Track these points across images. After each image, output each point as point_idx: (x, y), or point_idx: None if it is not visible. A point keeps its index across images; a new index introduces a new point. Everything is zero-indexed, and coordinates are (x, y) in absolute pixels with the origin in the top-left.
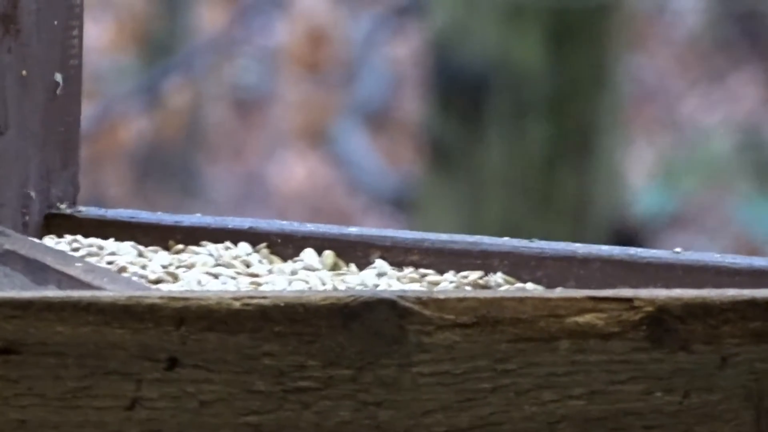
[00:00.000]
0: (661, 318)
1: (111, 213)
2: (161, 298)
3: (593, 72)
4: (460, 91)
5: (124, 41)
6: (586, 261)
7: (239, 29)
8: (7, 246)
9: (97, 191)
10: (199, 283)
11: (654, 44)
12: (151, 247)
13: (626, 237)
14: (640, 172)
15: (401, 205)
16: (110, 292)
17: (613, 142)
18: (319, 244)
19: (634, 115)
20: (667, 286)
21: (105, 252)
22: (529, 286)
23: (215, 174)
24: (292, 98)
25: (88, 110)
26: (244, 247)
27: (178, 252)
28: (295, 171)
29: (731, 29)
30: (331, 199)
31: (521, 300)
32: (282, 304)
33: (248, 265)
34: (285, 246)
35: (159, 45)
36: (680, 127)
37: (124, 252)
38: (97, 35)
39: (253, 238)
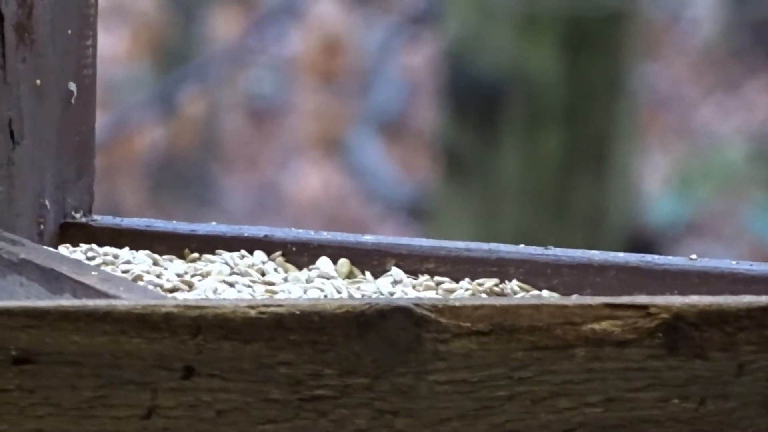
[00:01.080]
0: (677, 325)
1: (126, 222)
2: (177, 306)
3: (608, 80)
4: (475, 100)
5: (139, 51)
6: (602, 268)
7: (254, 38)
8: (23, 255)
9: (112, 201)
10: (214, 291)
11: (669, 52)
12: (166, 256)
13: (642, 245)
14: (655, 180)
15: (416, 214)
16: (126, 301)
17: (628, 151)
18: (335, 252)
19: (648, 123)
20: (683, 293)
21: (120, 261)
22: (545, 293)
23: (230, 183)
24: (307, 107)
25: (103, 120)
26: (259, 255)
27: (193, 261)
28: (310, 180)
29: (746, 37)
30: (346, 208)
31: (537, 308)
32: (297, 313)
33: (263, 274)
34: (300, 254)
35: (174, 54)
36: (695, 135)
37: (139, 261)
38: (112, 45)
39: (269, 246)
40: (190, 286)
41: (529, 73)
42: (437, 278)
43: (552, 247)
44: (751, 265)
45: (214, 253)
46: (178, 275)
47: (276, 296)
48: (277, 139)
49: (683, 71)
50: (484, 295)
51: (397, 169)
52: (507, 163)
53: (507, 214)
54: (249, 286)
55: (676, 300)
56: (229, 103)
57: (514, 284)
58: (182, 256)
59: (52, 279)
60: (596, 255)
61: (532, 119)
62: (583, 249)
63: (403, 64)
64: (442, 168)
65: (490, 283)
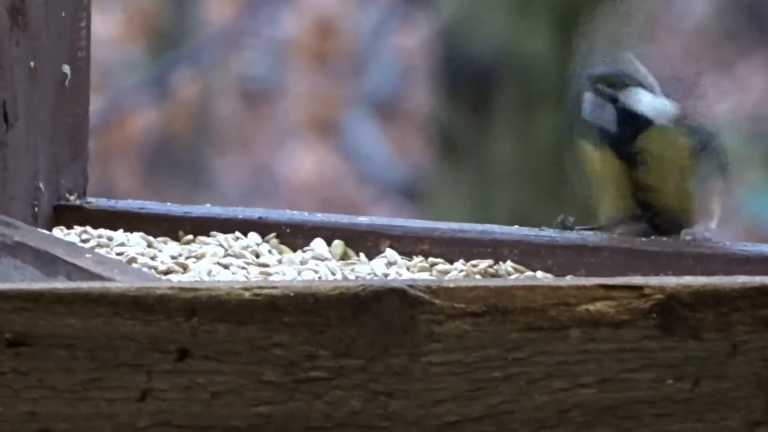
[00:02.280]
0: (671, 306)
1: (120, 204)
2: (171, 288)
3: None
4: (469, 82)
5: (133, 34)
6: (596, 249)
7: (247, 21)
8: (17, 238)
9: (106, 184)
10: (209, 273)
11: (661, 34)
12: (160, 238)
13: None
14: None
15: (410, 195)
16: (120, 284)
17: None
18: (329, 233)
19: None
20: (678, 274)
21: (114, 243)
22: (539, 274)
23: (224, 166)
24: (301, 90)
25: (97, 103)
26: (253, 237)
27: (187, 243)
28: (304, 162)
29: (739, 18)
30: (340, 190)
31: (531, 288)
32: (292, 294)
33: (258, 255)
34: (294, 236)
35: (167, 37)
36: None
37: (133, 243)
38: (106, 28)
39: (263, 228)
40: (185, 268)
41: (522, 54)
42: (431, 259)
43: (546, 228)
44: (745, 246)
45: (208, 235)
46: (173, 257)
47: (270, 278)
48: (270, 122)
49: (676, 52)
50: (478, 276)
51: (391, 150)
52: (501, 144)
53: (501, 196)
54: (243, 268)
55: (671, 281)
56: (223, 85)
57: (509, 265)
58: (177, 239)
59: (47, 261)
60: (590, 236)
61: (526, 100)
62: None
63: (396, 45)
64: (436, 149)
65: (484, 264)
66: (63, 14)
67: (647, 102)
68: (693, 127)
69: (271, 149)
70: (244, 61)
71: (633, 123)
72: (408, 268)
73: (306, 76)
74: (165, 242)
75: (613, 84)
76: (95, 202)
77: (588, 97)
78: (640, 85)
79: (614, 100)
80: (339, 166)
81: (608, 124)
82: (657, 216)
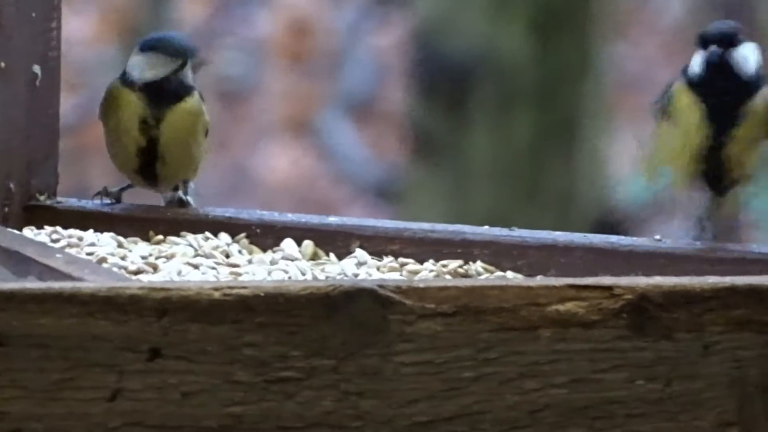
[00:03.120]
0: (642, 306)
1: (91, 204)
2: (142, 288)
3: (578, 61)
4: (445, 81)
5: (108, 33)
6: (567, 249)
7: (222, 20)
8: None
9: (81, 183)
10: (179, 273)
11: (639, 33)
12: (131, 238)
13: (611, 225)
14: (624, 161)
15: (386, 195)
16: (91, 284)
17: (598, 131)
18: (299, 234)
19: (619, 103)
20: (649, 274)
21: (85, 243)
22: (509, 274)
23: (200, 165)
24: (277, 89)
25: (72, 102)
26: (224, 237)
27: (158, 243)
28: (280, 161)
29: (716, 17)
30: (316, 190)
31: (503, 289)
32: (262, 294)
33: (228, 256)
34: (265, 236)
35: (142, 36)
36: None
37: (104, 243)
38: (81, 27)
39: (233, 228)
40: (155, 268)
41: (499, 54)
42: (401, 259)
43: (517, 228)
44: (717, 246)
45: (178, 235)
46: (143, 257)
47: (240, 278)
48: (247, 121)
49: (653, 51)
50: (448, 277)
51: (367, 150)
52: (477, 144)
53: (477, 195)
54: (213, 268)
55: (641, 281)
56: (198, 84)
57: (479, 265)
58: (147, 239)
59: (18, 261)
60: (561, 236)
61: (503, 100)
62: (552, 230)
63: (372, 45)
64: (411, 149)
65: (454, 264)
66: (34, 15)
67: (750, 60)
68: None
69: (247, 148)
70: (219, 60)
71: (736, 79)
72: (378, 269)
73: (282, 75)
74: (135, 242)
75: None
76: (65, 202)
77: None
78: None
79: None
80: (315, 165)
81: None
82: (716, 173)
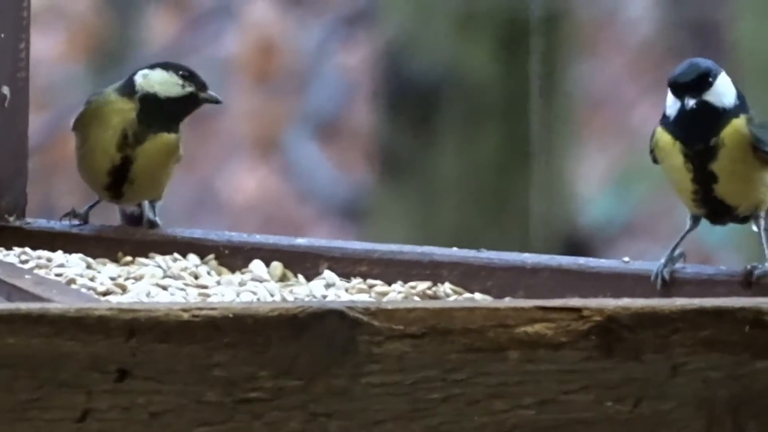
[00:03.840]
0: (610, 327)
1: (59, 225)
2: (110, 309)
3: (544, 80)
4: (411, 100)
5: (75, 52)
6: (535, 271)
7: (189, 39)
8: None
9: (48, 202)
10: (148, 294)
11: (605, 51)
12: (99, 259)
13: (578, 245)
14: (592, 180)
15: (353, 214)
16: (60, 304)
17: (565, 151)
18: (268, 255)
19: (586, 122)
20: (616, 295)
21: (54, 264)
22: (478, 296)
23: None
24: (243, 108)
25: (39, 121)
26: (192, 258)
27: (126, 264)
28: (247, 181)
29: (683, 36)
30: (282, 209)
31: (470, 310)
32: (231, 315)
33: (197, 277)
34: (233, 257)
35: (110, 55)
36: (632, 135)
37: (72, 264)
38: (48, 46)
39: (202, 249)
40: (124, 290)
41: (465, 72)
42: (370, 281)
43: (485, 250)
44: (685, 267)
45: (147, 257)
46: (112, 278)
47: (209, 299)
48: (213, 140)
49: (620, 70)
50: (416, 298)
51: (333, 169)
52: (444, 163)
53: (444, 215)
54: (182, 290)
55: (609, 302)
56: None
57: (447, 287)
58: (115, 260)
59: None
60: (529, 257)
61: (469, 119)
62: (519, 249)
63: (339, 64)
64: (379, 168)
65: (422, 285)
66: (2, 35)
67: (725, 94)
68: (759, 122)
69: (213, 167)
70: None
71: (711, 117)
72: (346, 290)
73: (248, 94)
74: (104, 263)
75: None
76: (34, 222)
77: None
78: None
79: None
80: (281, 184)
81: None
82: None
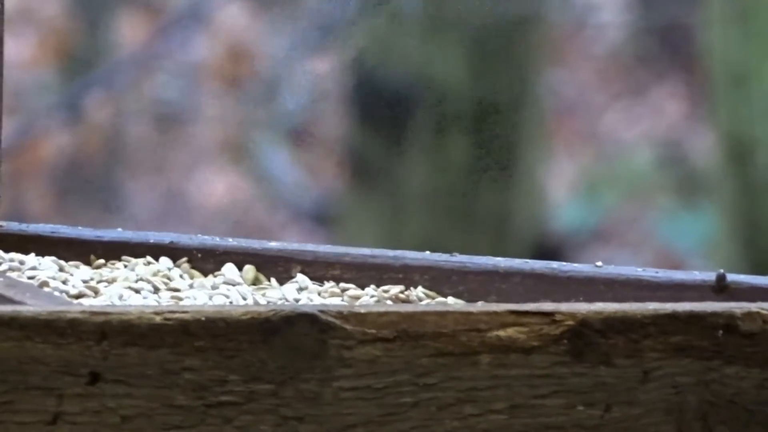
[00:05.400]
0: (581, 332)
1: (32, 228)
2: (82, 312)
3: (514, 87)
4: (381, 107)
5: (46, 56)
6: (507, 275)
7: (160, 44)
8: None
9: (18, 207)
10: (120, 297)
11: (575, 58)
12: (72, 262)
13: (548, 251)
14: (561, 187)
15: (323, 220)
16: (32, 307)
17: (535, 157)
18: (240, 258)
19: (555, 129)
20: (589, 300)
21: (26, 267)
22: (450, 300)
23: (137, 190)
24: (213, 113)
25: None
26: (165, 261)
27: (99, 267)
28: (216, 186)
29: (652, 43)
30: (252, 215)
31: (442, 314)
32: (203, 319)
33: (169, 280)
34: (206, 261)
35: (80, 60)
36: (602, 141)
37: (45, 267)
38: (19, 50)
39: (174, 252)
40: (96, 292)
41: (435, 79)
42: (342, 285)
43: (457, 254)
44: (657, 272)
45: (119, 260)
46: (84, 281)
47: (181, 302)
48: (183, 146)
49: (590, 77)
50: (389, 302)
51: (303, 175)
52: (413, 169)
53: (414, 221)
54: (154, 293)
55: (582, 307)
56: (136, 109)
57: (420, 291)
58: (88, 262)
59: None
60: (502, 262)
61: (439, 126)
62: (489, 255)
63: (309, 70)
64: (348, 174)
65: (395, 289)
66: None
67: None
68: None
69: (183, 173)
70: (156, 84)
71: None
72: (319, 293)
73: (218, 99)
74: (77, 266)
75: None
76: (6, 225)
77: None
78: None
79: None
80: (251, 190)
81: None
82: None
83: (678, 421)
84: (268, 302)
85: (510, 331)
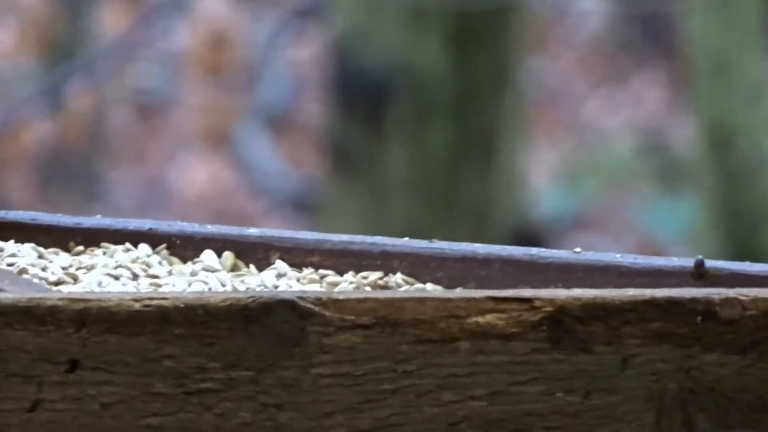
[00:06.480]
0: (560, 318)
1: (11, 215)
2: (62, 299)
3: (495, 75)
4: (362, 94)
5: (27, 45)
6: (486, 261)
7: (141, 33)
8: None
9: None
10: (99, 284)
11: (556, 46)
12: (51, 249)
13: (529, 239)
14: (542, 175)
15: (303, 208)
16: (11, 294)
17: (516, 145)
18: (219, 245)
19: (536, 117)
20: (568, 286)
21: (5, 254)
22: (429, 286)
23: (118, 178)
24: (194, 102)
25: None
26: (144, 248)
27: (78, 254)
28: (197, 174)
29: (633, 31)
30: (233, 203)
31: (421, 301)
32: (182, 306)
33: (148, 267)
34: (185, 247)
35: (61, 49)
36: (583, 130)
37: (24, 254)
38: (0, 39)
39: (153, 239)
40: (75, 279)
41: (416, 67)
42: (321, 271)
43: (436, 240)
44: (636, 259)
45: (99, 246)
46: (63, 268)
47: (160, 289)
48: (164, 134)
49: (571, 65)
50: (368, 289)
51: (284, 163)
52: (394, 157)
53: (394, 208)
54: (134, 279)
55: (561, 293)
56: (117, 97)
57: (399, 277)
58: (67, 249)
59: None
60: (481, 248)
61: (419, 113)
62: (469, 242)
63: (290, 58)
64: (329, 162)
65: (374, 276)
66: None
67: None
68: None
69: (164, 161)
70: (137, 72)
71: None
72: (298, 280)
73: (199, 88)
74: (56, 253)
75: None
76: None
77: None
78: None
79: None
80: (231, 178)
81: None
82: None
83: (657, 408)
84: (247, 289)
85: (489, 318)
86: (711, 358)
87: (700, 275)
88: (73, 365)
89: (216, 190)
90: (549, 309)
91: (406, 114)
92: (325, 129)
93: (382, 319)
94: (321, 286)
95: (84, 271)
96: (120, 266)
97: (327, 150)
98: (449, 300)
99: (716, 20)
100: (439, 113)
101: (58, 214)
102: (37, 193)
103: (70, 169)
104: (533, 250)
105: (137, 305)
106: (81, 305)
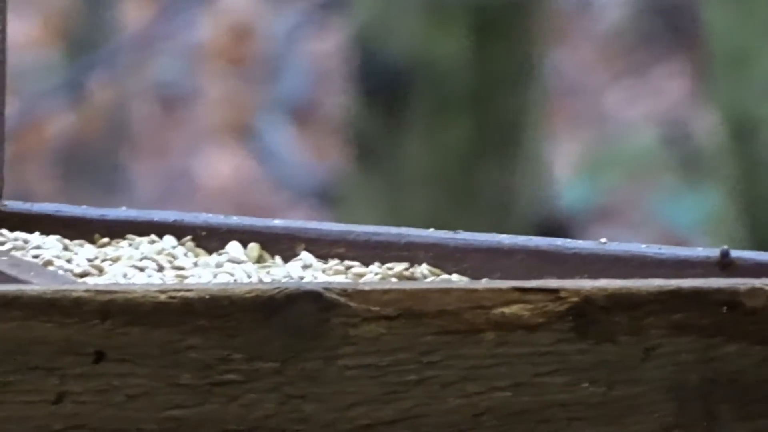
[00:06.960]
0: (586, 309)
1: (36, 207)
2: (87, 291)
3: (516, 67)
4: (383, 86)
5: (48, 37)
6: (511, 252)
7: (163, 25)
8: None
9: (22, 188)
10: (124, 276)
11: (577, 38)
12: (76, 241)
13: (551, 231)
14: (563, 167)
15: (325, 199)
16: (36, 286)
17: (537, 137)
18: (245, 236)
19: (557, 109)
20: (593, 276)
21: (30, 246)
22: (454, 277)
23: (140, 170)
24: (216, 94)
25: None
26: (169, 240)
27: (103, 246)
28: (220, 167)
29: (654, 23)
30: (255, 195)
31: (446, 291)
32: (207, 297)
33: (173, 258)
34: (210, 239)
35: (83, 41)
36: (604, 121)
37: (49, 246)
38: (21, 31)
39: (178, 231)
40: (101, 271)
41: (436, 59)
42: (347, 262)
43: (461, 231)
44: (660, 249)
45: (124, 238)
46: (89, 260)
47: (186, 281)
48: (186, 126)
49: (592, 57)
50: (394, 279)
51: (306, 155)
52: (415, 148)
53: (415, 200)
54: (159, 271)
55: (586, 283)
56: (139, 89)
57: (424, 268)
58: (92, 241)
59: None
60: (505, 239)
61: (440, 105)
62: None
63: (311, 50)
64: (351, 154)
65: (399, 267)
66: None
67: None
68: None
69: (186, 153)
70: (159, 65)
71: None
72: (323, 271)
73: (221, 80)
74: (81, 245)
75: None
76: (10, 204)
77: None
78: None
79: None
80: (254, 170)
81: None
82: None
83: (679, 400)
84: (273, 280)
85: (514, 308)
86: (733, 350)
87: (725, 265)
88: (99, 357)
89: (238, 182)
90: (575, 299)
91: (427, 105)
92: (346, 120)
93: (406, 310)
94: (347, 277)
95: (109, 263)
96: (145, 258)
97: (348, 141)
98: (474, 291)
99: (736, 11)
100: (460, 105)
101: (83, 206)
102: (59, 186)
103: (92, 162)
104: (558, 241)
105: (162, 297)
106: (106, 297)
